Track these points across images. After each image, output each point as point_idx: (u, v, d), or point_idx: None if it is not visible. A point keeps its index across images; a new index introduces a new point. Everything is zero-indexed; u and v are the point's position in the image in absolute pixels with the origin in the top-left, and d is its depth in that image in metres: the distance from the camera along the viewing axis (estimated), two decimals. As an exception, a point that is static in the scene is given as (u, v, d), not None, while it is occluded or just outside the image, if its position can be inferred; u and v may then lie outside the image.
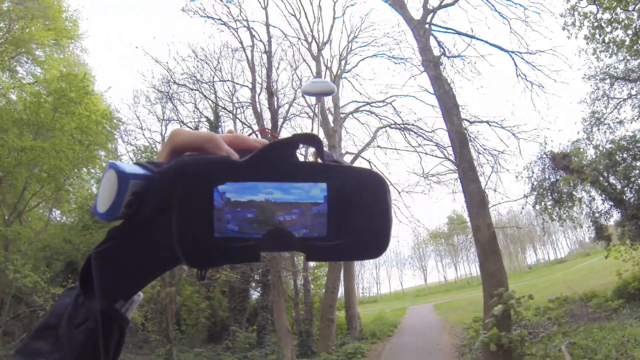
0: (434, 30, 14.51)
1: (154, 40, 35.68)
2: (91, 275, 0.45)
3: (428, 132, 18.04)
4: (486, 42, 15.27)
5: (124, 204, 0.42)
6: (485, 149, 16.62)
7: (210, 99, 17.73)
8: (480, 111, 34.88)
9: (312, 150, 0.49)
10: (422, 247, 56.95)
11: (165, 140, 0.49)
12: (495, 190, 16.26)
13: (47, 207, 16.98)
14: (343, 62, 18.95)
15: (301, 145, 0.46)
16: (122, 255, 0.45)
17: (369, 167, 0.55)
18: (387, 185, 0.46)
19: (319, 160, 0.47)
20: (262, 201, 0.42)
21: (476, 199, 10.83)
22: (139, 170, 0.43)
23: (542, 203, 15.57)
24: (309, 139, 0.45)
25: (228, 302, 18.23)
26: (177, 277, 14.70)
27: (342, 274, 16.88)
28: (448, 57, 15.73)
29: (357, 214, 0.44)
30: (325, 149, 0.48)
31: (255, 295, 19.38)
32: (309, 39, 17.82)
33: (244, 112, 18.37)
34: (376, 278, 61.72)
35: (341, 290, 17.67)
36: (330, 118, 17.21)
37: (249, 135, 0.54)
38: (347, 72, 19.10)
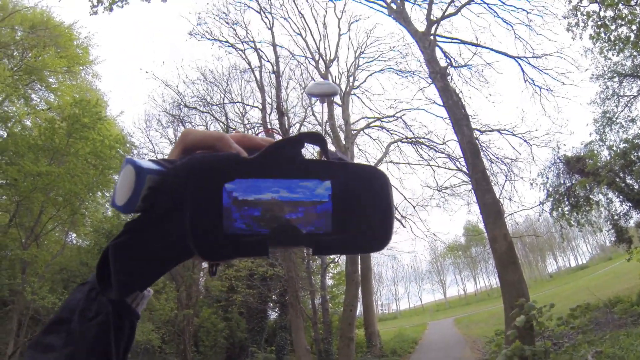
0: (439, 41, 14.57)
1: (163, 65, 36.60)
2: (107, 267, 0.46)
3: (439, 144, 17.99)
4: (491, 49, 15.29)
5: (141, 198, 0.44)
6: (497, 158, 16.48)
7: (221, 121, 17.78)
8: (491, 120, 34.75)
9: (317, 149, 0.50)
10: (440, 260, 55.86)
11: (177, 139, 0.51)
12: (510, 199, 16.05)
13: (63, 231, 17.12)
14: (351, 79, 19.01)
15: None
16: (138, 248, 0.46)
17: (371, 165, 0.52)
18: (389, 181, 0.47)
19: (324, 158, 0.48)
20: (269, 200, 0.43)
21: (491, 209, 10.77)
22: (154, 166, 0.45)
23: (559, 209, 15.32)
24: (315, 138, 0.47)
25: (246, 322, 18.18)
26: (194, 299, 14.64)
27: (360, 292, 16.64)
28: (455, 67, 15.75)
29: (361, 210, 0.45)
30: (331, 148, 0.50)
31: (273, 315, 19.31)
32: (316, 57, 17.95)
33: (255, 133, 18.28)
34: (395, 294, 61.15)
35: (360, 308, 17.39)
36: (342, 135, 17.20)
37: (257, 134, 0.56)
38: (356, 88, 19.14)
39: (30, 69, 17.90)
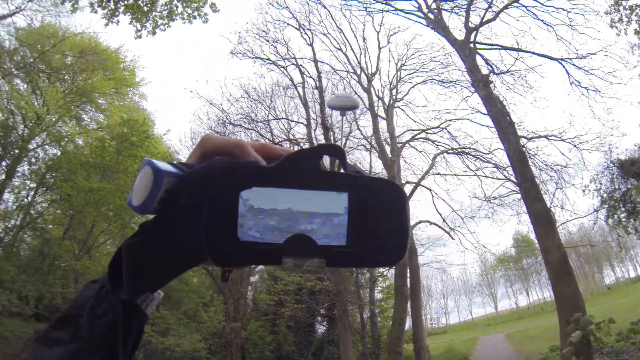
0: (479, 49, 14.16)
1: (206, 84, 37.87)
2: (119, 267, 0.46)
3: (486, 153, 17.40)
4: (533, 53, 14.62)
5: (157, 200, 0.44)
6: (546, 165, 15.71)
7: (266, 138, 17.91)
8: (538, 126, 33.34)
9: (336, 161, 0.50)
10: (490, 273, 53.86)
11: (196, 145, 0.51)
12: (562, 208, 15.17)
13: (114, 244, 17.71)
14: (394, 91, 18.78)
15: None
16: (151, 249, 0.45)
17: (388, 179, 0.50)
18: (406, 195, 0.46)
19: (342, 171, 0.47)
20: (285, 209, 0.43)
21: (542, 219, 10.35)
22: (172, 169, 0.45)
23: (615, 216, 14.52)
24: (333, 150, 0.47)
25: (293, 336, 18.22)
26: (241, 312, 14.70)
27: (409, 305, 16.20)
28: (497, 75, 15.21)
29: (376, 223, 0.45)
30: (351, 162, 0.50)
31: (321, 329, 19.29)
32: (358, 71, 17.87)
33: (275, 143, 18.33)
34: (444, 308, 59.75)
35: (409, 322, 16.93)
36: (388, 149, 16.99)
37: (277, 144, 0.56)
38: (399, 101, 18.90)
39: (81, 91, 18.75)
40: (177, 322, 15.20)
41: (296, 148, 0.49)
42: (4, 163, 17.47)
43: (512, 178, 14.37)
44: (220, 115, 18.23)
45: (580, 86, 14.40)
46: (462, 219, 18.38)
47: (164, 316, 14.97)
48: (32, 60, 16.60)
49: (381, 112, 17.77)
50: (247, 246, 0.42)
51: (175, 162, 0.47)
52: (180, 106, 60.20)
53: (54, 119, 17.75)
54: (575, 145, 15.13)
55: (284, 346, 18.15)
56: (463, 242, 18.66)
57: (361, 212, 0.44)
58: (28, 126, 17.70)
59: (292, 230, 0.43)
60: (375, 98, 17.89)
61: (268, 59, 17.19)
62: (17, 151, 17.31)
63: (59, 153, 17.30)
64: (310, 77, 17.22)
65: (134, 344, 0.50)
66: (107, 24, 8.95)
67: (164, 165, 0.45)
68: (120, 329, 0.47)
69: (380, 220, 0.45)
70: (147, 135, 14.98)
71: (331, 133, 16.46)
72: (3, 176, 17.28)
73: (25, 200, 17.19)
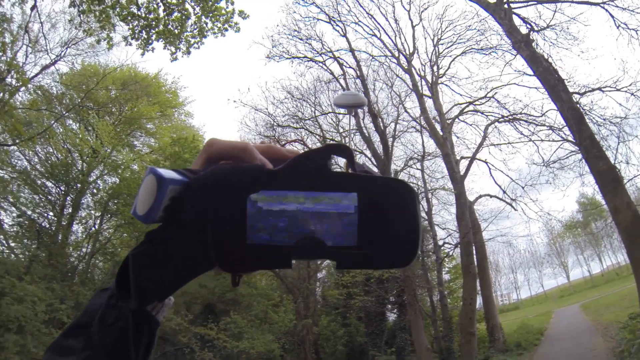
0: (514, 8, 13.62)
1: (248, 91, 38.59)
2: (127, 276, 0.46)
3: (538, 117, 16.73)
4: (572, 1, 13.90)
5: (162, 208, 0.44)
6: (604, 120, 14.76)
7: (316, 134, 18.12)
8: (589, 79, 31.51)
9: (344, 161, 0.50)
10: (558, 241, 51.22)
11: (201, 149, 0.50)
12: (627, 163, 14.20)
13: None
14: (435, 68, 18.56)
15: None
16: (158, 258, 0.45)
17: (398, 178, 0.55)
18: (416, 193, 0.46)
19: (350, 171, 0.47)
20: (294, 210, 0.42)
21: (607, 177, 9.88)
22: (176, 176, 0.45)
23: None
24: (341, 150, 0.47)
25: (365, 326, 18.24)
26: (312, 308, 14.89)
27: (478, 283, 15.85)
28: (537, 32, 14.56)
29: (387, 223, 0.44)
30: (363, 160, 0.51)
31: (392, 317, 19.19)
32: (396, 54, 17.74)
33: (352, 139, 18.63)
34: (514, 283, 57.64)
35: (479, 301, 16.60)
36: (438, 127, 16.79)
37: (282, 145, 0.55)
38: (441, 76, 18.63)
39: (129, 120, 19.72)
40: (249, 325, 15.59)
41: (305, 148, 0.50)
42: (68, 198, 18.67)
43: (570, 138, 13.80)
44: (267, 119, 18.55)
45: (628, 28, 13.55)
46: (523, 188, 17.82)
47: (236, 320, 15.39)
48: (79, 100, 17.52)
49: (426, 90, 17.57)
50: (255, 251, 0.42)
51: (180, 169, 0.47)
52: (227, 117, 61.80)
53: (108, 150, 18.74)
54: (632, 94, 14.22)
55: (356, 338, 18.21)
56: (526, 212, 17.93)
57: (371, 212, 0.44)
58: (85, 161, 18.86)
59: (302, 232, 0.42)
60: (417, 78, 17.76)
61: (305, 57, 17.40)
62: (79, 185, 18.46)
63: (118, 181, 18.18)
64: (350, 67, 17.29)
65: (145, 351, 0.50)
66: (143, 54, 9.27)
67: (167, 173, 0.44)
68: (131, 336, 0.47)
69: (390, 220, 0.44)
70: (198, 151, 15.39)
71: (380, 119, 16.44)
72: (70, 210, 18.50)
73: (93, 228, 18.21)
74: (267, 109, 18.90)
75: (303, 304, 15.43)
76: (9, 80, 11.68)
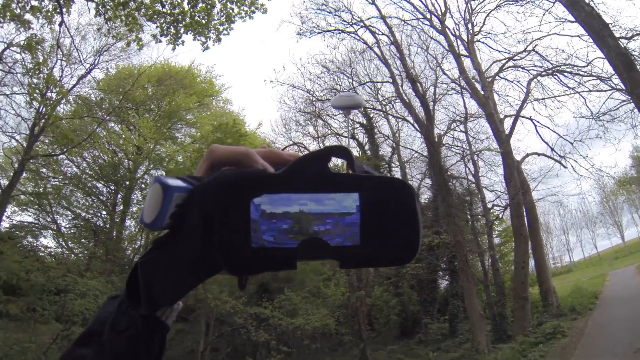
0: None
1: (284, 70, 38.94)
2: (137, 283, 0.47)
3: (584, 66, 15.87)
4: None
5: (168, 215, 0.45)
6: (657, 62, 14.06)
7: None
8: (635, 21, 29.48)
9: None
10: (611, 199, 48.49)
11: (204, 156, 0.52)
12: (686, 109, 13.54)
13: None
14: (470, 26, 17.89)
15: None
16: (166, 264, 0.47)
17: (397, 177, 0.55)
18: (415, 192, 0.47)
19: (350, 172, 0.49)
20: (297, 212, 0.44)
21: None
22: (181, 184, 0.46)
23: None
24: (340, 152, 0.48)
25: (417, 295, 18.27)
26: (364, 280, 15.03)
27: (529, 246, 15.52)
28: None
29: (388, 222, 0.45)
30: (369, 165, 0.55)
31: (444, 284, 19.15)
32: (428, 16, 17.37)
33: (393, 107, 18.51)
34: (566, 244, 54.95)
35: (531, 264, 16.23)
36: (479, 86, 16.34)
37: (283, 149, 0.57)
38: (477, 34, 17.99)
39: (169, 114, 20.23)
40: (303, 301, 15.88)
41: (305, 152, 0.52)
42: (119, 195, 19.54)
43: (620, 87, 13.14)
44: (305, 95, 18.73)
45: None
46: (572, 144, 17.09)
47: (290, 297, 15.70)
48: (117, 102, 18.15)
49: (462, 50, 17.14)
50: (261, 254, 0.43)
51: (184, 176, 0.48)
52: (265, 98, 62.23)
53: (151, 146, 19.39)
54: (684, 33, 13.51)
55: (408, 307, 18.28)
56: (577, 169, 17.27)
57: (373, 211, 0.45)
58: (131, 158, 19.62)
59: (305, 233, 0.44)
60: (452, 38, 17.31)
61: (336, 29, 17.33)
62: (127, 182, 19.27)
63: (164, 173, 18.77)
64: (383, 34, 17.08)
65: (157, 355, 0.51)
66: (174, 49, 9.48)
67: (173, 181, 0.45)
68: (142, 342, 0.48)
69: (391, 219, 0.45)
70: (240, 134, 15.77)
71: (419, 84, 16.20)
72: (121, 206, 19.38)
73: (144, 222, 19.01)
74: (304, 85, 19.01)
75: (355, 276, 15.59)
76: (49, 95, 12.27)
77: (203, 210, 0.44)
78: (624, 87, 11.72)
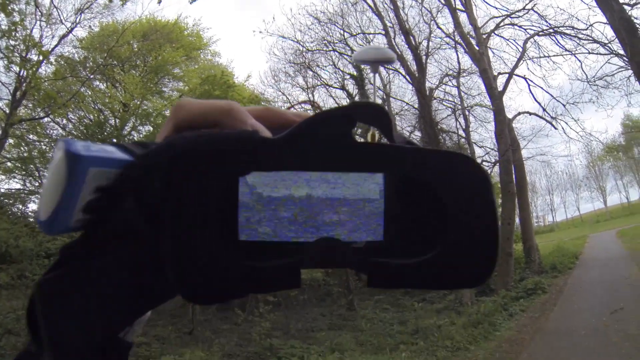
0: None
1: (274, 21, 37.74)
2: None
3: (583, 29, 15.62)
4: None
5: (82, 207, 0.27)
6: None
7: (346, 54, 17.83)
8: None
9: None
10: (597, 165, 49.85)
11: (168, 115, 0.33)
12: (684, 81, 13.46)
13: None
14: None
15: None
16: (79, 288, 0.28)
17: (462, 153, 0.30)
18: (489, 176, 0.31)
19: (385, 141, 0.32)
20: (303, 196, 0.30)
21: None
22: (106, 153, 0.27)
23: None
24: (372, 111, 0.32)
25: None
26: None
27: (517, 203, 15.74)
28: None
29: (444, 220, 0.29)
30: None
31: None
32: (422, -34, 16.82)
33: (287, 108, 18.03)
34: (550, 205, 56.86)
35: (516, 222, 16.51)
36: (473, 42, 16.05)
37: (289, 109, 0.38)
38: None
39: (155, 69, 19.81)
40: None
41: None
42: (106, 154, 19.23)
43: (620, 52, 12.80)
44: (295, 46, 18.28)
45: None
46: (564, 106, 17.07)
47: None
48: (102, 60, 17.69)
49: (459, 4, 16.78)
50: (244, 266, 0.28)
51: (121, 142, 0.30)
52: (254, 50, 62.29)
53: (138, 102, 19.02)
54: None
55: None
56: (567, 132, 17.39)
57: (413, 201, 0.31)
58: (117, 116, 19.23)
59: (313, 223, 0.30)
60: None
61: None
62: (114, 140, 18.83)
63: (152, 129, 18.57)
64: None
65: None
66: (159, 1, 9.11)
67: (90, 148, 0.26)
68: None
69: (449, 214, 0.29)
70: (228, 85, 15.56)
71: (412, 37, 15.94)
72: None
73: (134, 177, 18.99)
74: (294, 36, 18.56)
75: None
76: (29, 57, 11.80)
77: (146, 196, 0.27)
78: (624, 53, 11.49)
